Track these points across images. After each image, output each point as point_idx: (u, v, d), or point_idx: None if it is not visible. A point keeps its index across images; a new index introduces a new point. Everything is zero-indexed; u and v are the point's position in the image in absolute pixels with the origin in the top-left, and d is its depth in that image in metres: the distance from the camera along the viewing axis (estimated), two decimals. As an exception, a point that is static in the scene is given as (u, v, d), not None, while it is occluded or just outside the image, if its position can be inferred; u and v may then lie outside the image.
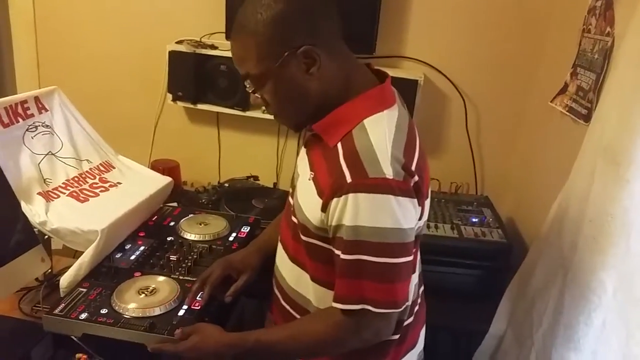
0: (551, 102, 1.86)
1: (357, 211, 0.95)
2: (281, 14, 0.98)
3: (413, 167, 1.00)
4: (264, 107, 2.28)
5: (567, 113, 1.71)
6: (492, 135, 2.35)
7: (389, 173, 0.95)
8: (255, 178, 2.39)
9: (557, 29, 2.05)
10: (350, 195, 0.95)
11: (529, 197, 2.08)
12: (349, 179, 0.96)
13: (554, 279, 1.44)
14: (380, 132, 1.00)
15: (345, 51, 1.07)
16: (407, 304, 1.04)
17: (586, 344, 1.29)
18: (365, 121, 1.01)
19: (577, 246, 1.34)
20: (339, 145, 1.01)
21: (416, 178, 1.00)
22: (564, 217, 1.46)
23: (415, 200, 1.00)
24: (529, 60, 2.19)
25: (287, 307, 1.18)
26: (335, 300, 1.01)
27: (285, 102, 1.07)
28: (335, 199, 0.97)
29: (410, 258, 1.01)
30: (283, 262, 1.19)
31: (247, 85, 1.07)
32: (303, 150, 1.16)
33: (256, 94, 1.07)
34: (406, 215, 0.97)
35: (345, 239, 0.97)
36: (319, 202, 1.01)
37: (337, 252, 1.00)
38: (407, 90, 2.11)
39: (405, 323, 1.15)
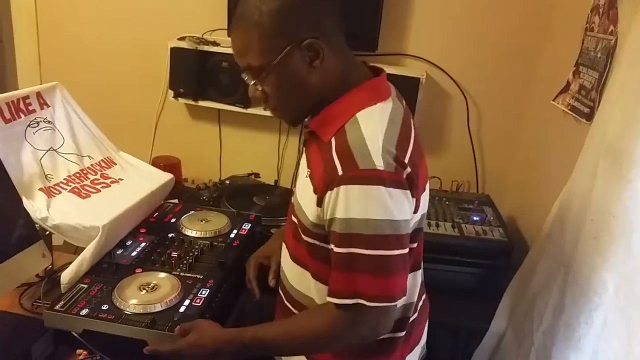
0: (553, 100, 1.86)
1: (348, 203, 0.95)
2: (286, 6, 0.98)
3: (406, 160, 0.99)
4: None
5: (569, 112, 1.70)
6: (493, 134, 2.34)
7: (379, 164, 0.94)
8: (257, 175, 2.39)
9: (559, 27, 2.04)
10: (342, 188, 0.95)
11: (530, 196, 2.08)
12: (340, 172, 0.96)
13: (555, 278, 1.44)
14: (372, 124, 1.00)
15: (344, 46, 1.07)
16: (405, 296, 1.03)
17: (587, 344, 1.29)
18: (358, 115, 1.01)
19: (578, 245, 1.34)
20: (333, 139, 1.01)
21: (409, 170, 0.99)
22: (565, 216, 1.45)
23: (409, 191, 0.99)
24: (531, 59, 2.19)
25: (290, 307, 1.18)
26: (329, 295, 1.00)
27: (286, 95, 1.06)
28: (328, 193, 0.97)
29: (406, 251, 0.99)
30: (285, 262, 1.20)
31: (246, 78, 1.07)
32: (303, 150, 1.16)
33: (256, 87, 1.06)
34: (399, 207, 0.97)
35: (338, 232, 0.97)
36: (314, 197, 1.01)
37: (331, 245, 0.99)
38: (409, 88, 2.10)
39: (411, 319, 1.15)
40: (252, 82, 1.06)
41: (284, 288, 1.20)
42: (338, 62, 1.04)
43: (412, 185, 1.00)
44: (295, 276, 1.16)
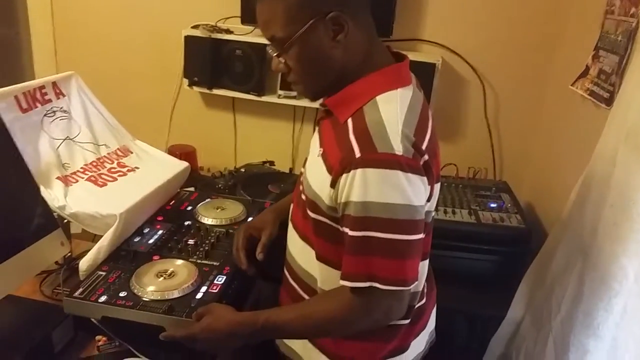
0: (572, 85, 1.82)
1: (366, 187, 0.94)
2: None
3: (423, 147, 0.99)
4: (279, 92, 2.30)
5: (589, 97, 1.68)
6: (511, 119, 2.32)
7: (398, 149, 0.94)
8: (271, 163, 2.39)
9: (578, 10, 2.00)
10: (359, 171, 0.94)
11: (548, 182, 2.06)
12: (357, 154, 0.95)
13: (574, 265, 1.42)
14: (392, 109, 0.99)
15: (371, 24, 1.06)
16: (416, 283, 1.02)
17: (606, 331, 1.27)
18: (378, 98, 1.00)
19: (597, 232, 1.32)
20: (349, 120, 1.01)
21: (426, 157, 0.98)
22: (584, 203, 1.43)
23: (425, 178, 0.98)
24: (550, 43, 2.15)
25: (296, 286, 1.19)
26: (342, 278, 1.00)
27: (308, 68, 1.05)
28: (344, 175, 0.96)
29: (421, 236, 0.99)
30: (293, 241, 1.19)
31: (271, 50, 1.07)
32: (316, 129, 1.15)
33: (279, 59, 1.06)
34: (416, 192, 0.96)
35: (353, 215, 0.96)
36: (328, 178, 1.00)
37: (346, 229, 0.99)
38: (425, 73, 2.08)
39: (418, 305, 1.15)
40: (275, 54, 1.06)
41: (290, 267, 1.21)
42: (362, 40, 1.03)
43: (429, 173, 0.99)
44: (304, 255, 1.15)
